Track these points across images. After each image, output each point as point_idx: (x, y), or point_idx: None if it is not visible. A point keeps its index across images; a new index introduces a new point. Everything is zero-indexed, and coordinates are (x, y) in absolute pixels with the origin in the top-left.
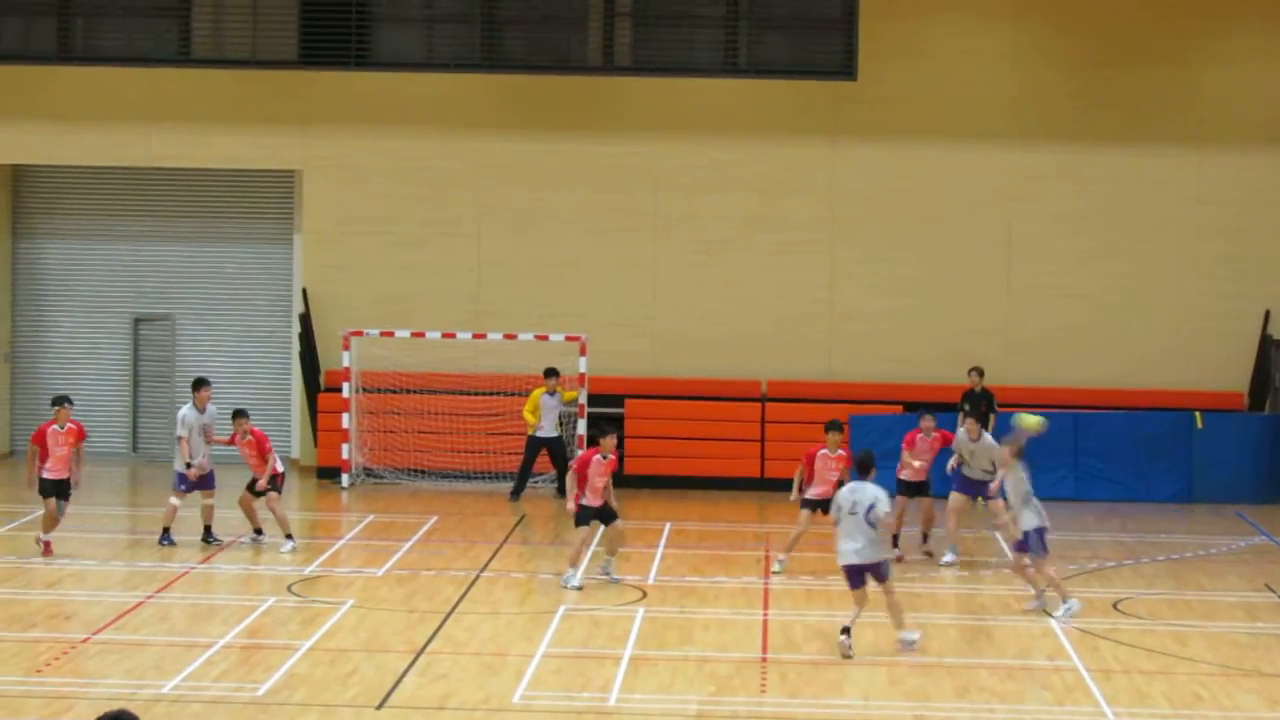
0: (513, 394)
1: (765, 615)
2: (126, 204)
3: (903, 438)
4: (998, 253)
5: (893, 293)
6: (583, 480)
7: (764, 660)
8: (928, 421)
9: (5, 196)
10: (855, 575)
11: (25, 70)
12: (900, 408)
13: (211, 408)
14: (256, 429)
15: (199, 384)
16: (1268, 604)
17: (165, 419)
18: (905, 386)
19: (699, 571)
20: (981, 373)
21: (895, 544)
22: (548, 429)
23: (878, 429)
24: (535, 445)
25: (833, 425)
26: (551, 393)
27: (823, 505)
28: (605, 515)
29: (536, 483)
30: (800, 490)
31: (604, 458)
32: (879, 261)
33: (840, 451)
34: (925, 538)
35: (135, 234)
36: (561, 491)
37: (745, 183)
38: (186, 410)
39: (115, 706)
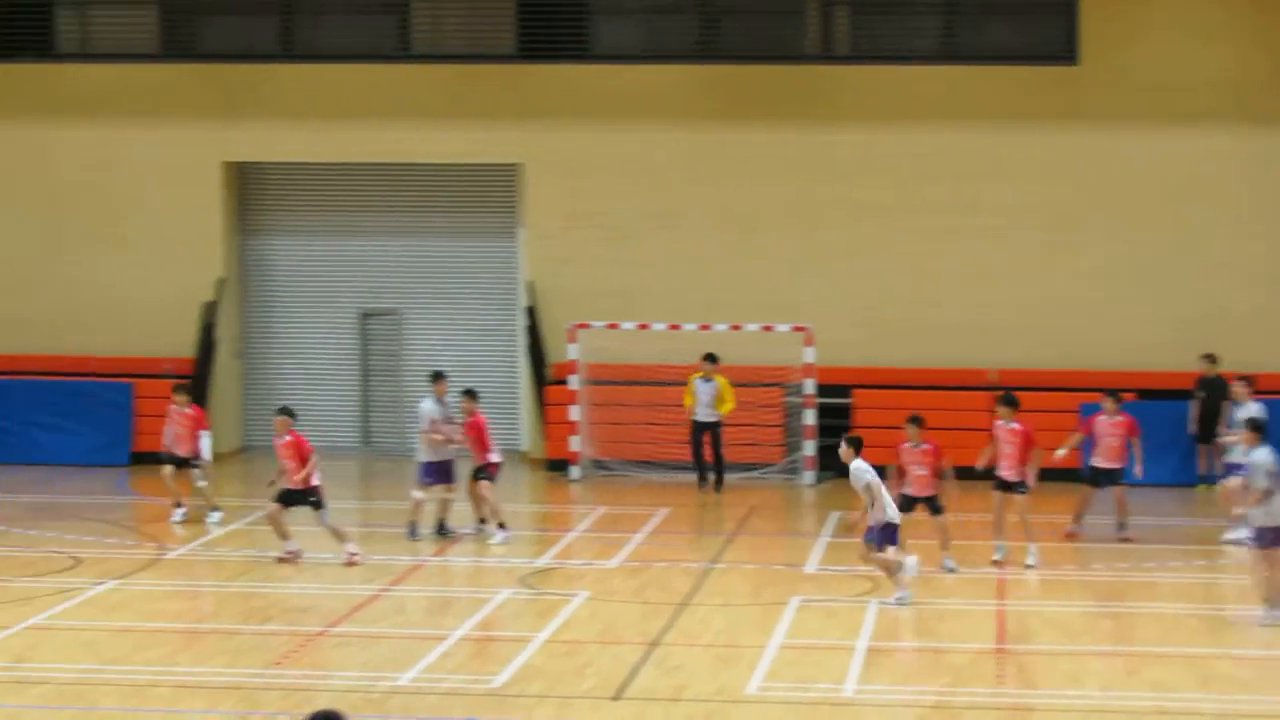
0: (740, 384)
1: (1001, 605)
2: (352, 200)
3: (1087, 422)
4: (1224, 236)
5: (1116, 278)
6: (901, 471)
7: (1000, 651)
8: (1109, 404)
9: (232, 194)
10: None
11: (249, 68)
12: (1135, 394)
13: (449, 399)
14: (480, 415)
15: (437, 376)
16: None
17: (394, 413)
18: (1136, 374)
19: (932, 561)
20: (1214, 359)
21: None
22: (703, 414)
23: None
24: (695, 430)
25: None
26: (707, 379)
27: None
28: (931, 507)
29: (754, 474)
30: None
31: (914, 445)
32: (1102, 246)
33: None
34: (1121, 526)
35: (361, 229)
36: (719, 480)
37: (965, 170)
38: (428, 404)
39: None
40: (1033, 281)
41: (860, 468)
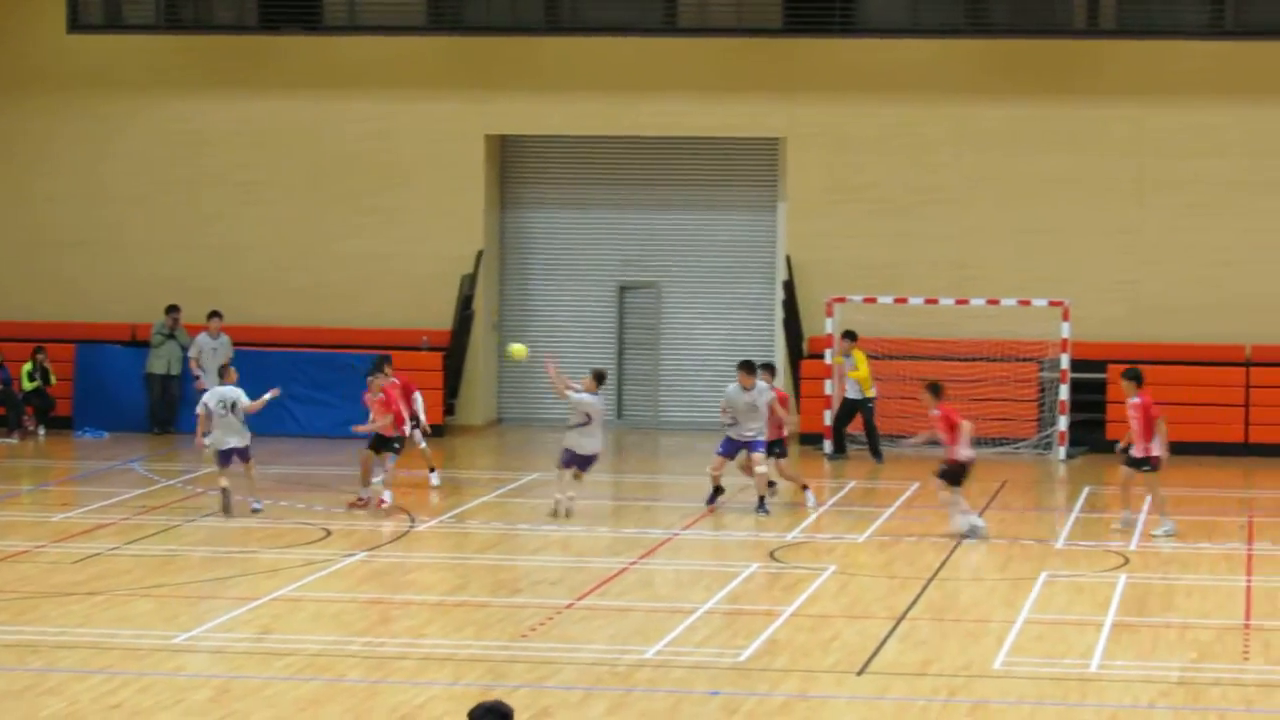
0: (996, 359)
1: (1249, 581)
2: (611, 173)
3: None
4: None
5: None
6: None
7: (1247, 627)
8: None
9: (494, 167)
10: None
11: (513, 42)
12: None
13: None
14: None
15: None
16: None
17: (648, 387)
18: None
19: (1182, 538)
20: None
21: None
22: (849, 391)
23: None
24: (844, 407)
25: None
26: (846, 355)
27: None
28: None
29: (1006, 448)
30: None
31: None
32: None
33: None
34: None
35: (619, 202)
36: (875, 453)
37: (1233, 146)
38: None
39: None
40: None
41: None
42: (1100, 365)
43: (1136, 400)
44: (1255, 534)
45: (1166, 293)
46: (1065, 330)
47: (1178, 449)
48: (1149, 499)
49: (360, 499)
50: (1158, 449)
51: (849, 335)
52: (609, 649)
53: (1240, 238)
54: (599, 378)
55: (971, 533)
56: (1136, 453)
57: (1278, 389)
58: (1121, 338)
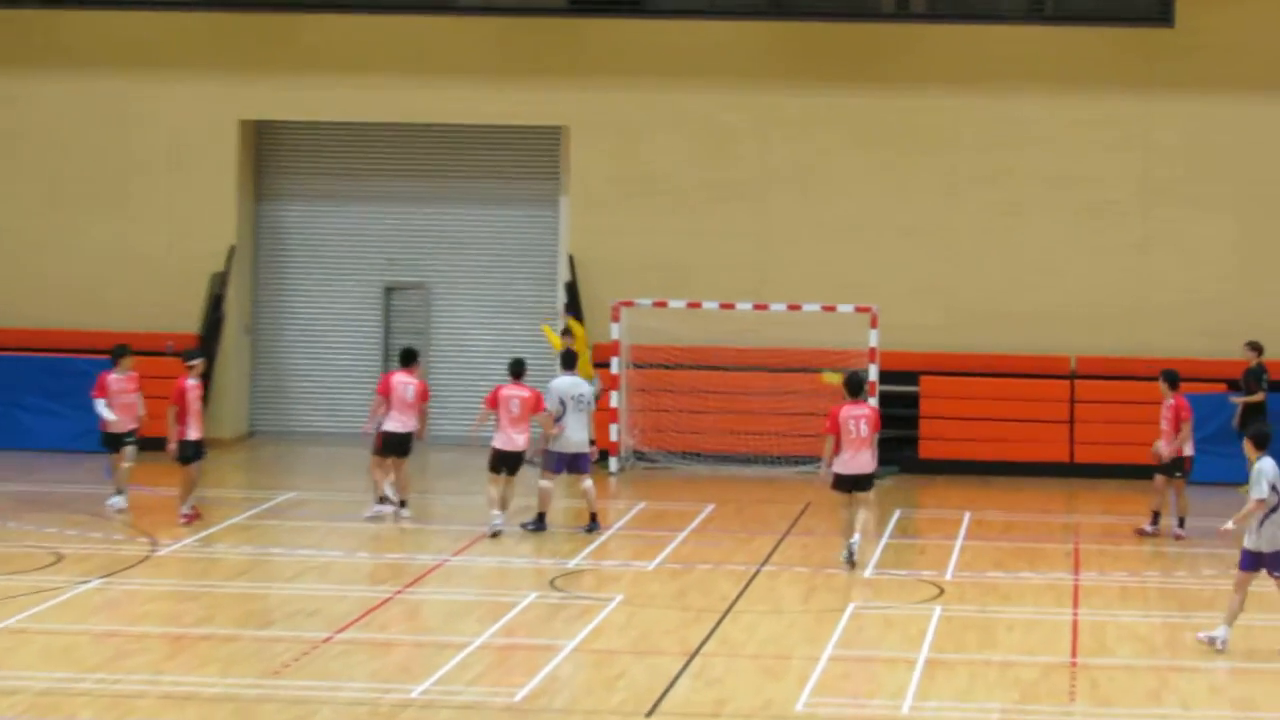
0: (798, 370)
1: (1075, 615)
2: (378, 163)
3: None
4: None
5: (1211, 259)
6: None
7: (1073, 664)
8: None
9: (248, 155)
10: None
11: (271, 18)
12: (1225, 386)
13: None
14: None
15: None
16: None
17: None
18: (1229, 363)
19: (1002, 566)
20: (1259, 348)
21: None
22: None
23: (1200, 410)
24: None
25: (1167, 375)
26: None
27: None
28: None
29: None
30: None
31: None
32: (1196, 224)
33: (1170, 401)
34: (1180, 523)
35: (386, 195)
36: None
37: (1050, 140)
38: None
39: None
40: (1120, 261)
41: None
42: (912, 376)
43: (1171, 402)
44: (1081, 562)
45: (983, 299)
46: (873, 338)
47: (997, 469)
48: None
49: None
50: (1189, 449)
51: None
52: (371, 687)
53: (1058, 239)
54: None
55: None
56: (1166, 455)
57: (1104, 404)
58: (935, 347)
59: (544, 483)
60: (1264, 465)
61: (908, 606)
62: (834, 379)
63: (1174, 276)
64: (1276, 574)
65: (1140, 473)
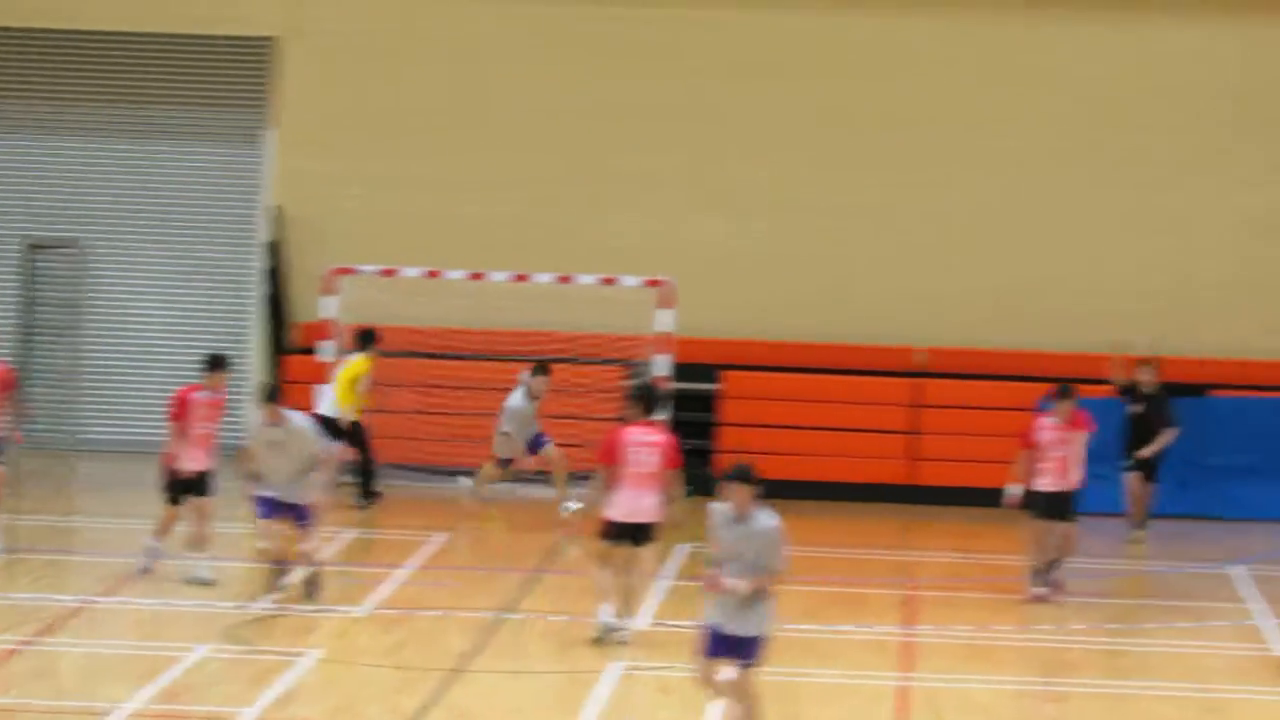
0: (569, 360)
1: (905, 680)
2: (17, 83)
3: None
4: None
5: (1098, 224)
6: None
7: None
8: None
9: None
10: None
11: None
12: (1111, 389)
13: None
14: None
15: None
16: None
17: (65, 389)
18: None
19: (814, 617)
20: (1152, 365)
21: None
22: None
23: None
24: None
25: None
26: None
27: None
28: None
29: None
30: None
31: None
32: (1068, 192)
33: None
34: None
35: (28, 126)
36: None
37: (889, 67)
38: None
39: None
40: (973, 234)
41: None
42: (708, 372)
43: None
44: (917, 613)
45: (803, 276)
46: (666, 321)
47: (815, 491)
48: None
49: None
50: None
51: (366, 337)
52: None
53: (891, 202)
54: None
55: None
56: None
57: (956, 410)
58: (745, 334)
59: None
60: None
61: (688, 666)
62: None
63: (1045, 251)
64: None
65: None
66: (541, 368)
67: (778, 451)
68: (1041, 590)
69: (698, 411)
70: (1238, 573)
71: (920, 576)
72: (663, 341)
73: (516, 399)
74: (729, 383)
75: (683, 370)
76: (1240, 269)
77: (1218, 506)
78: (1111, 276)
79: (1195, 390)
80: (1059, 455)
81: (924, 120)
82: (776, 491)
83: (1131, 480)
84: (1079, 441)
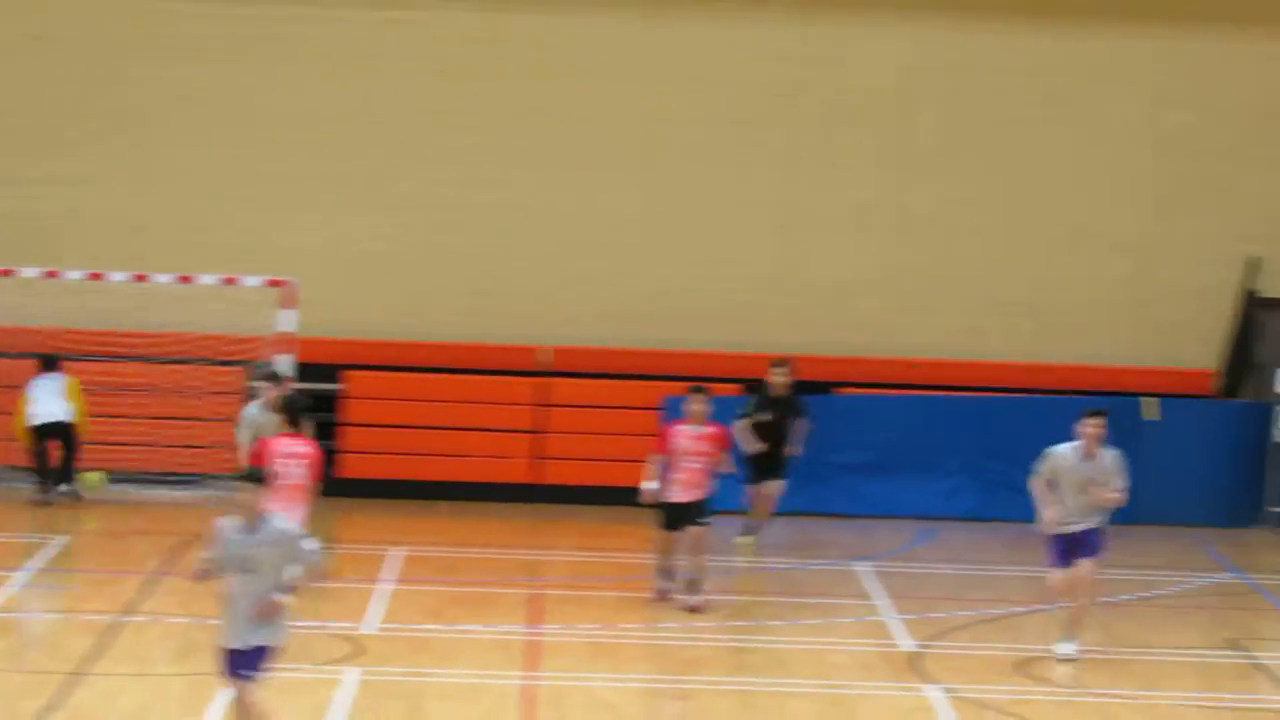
0: (191, 362)
1: (531, 678)
2: None
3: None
4: (858, 175)
5: (727, 224)
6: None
7: None
8: (698, 403)
9: None
10: None
11: None
12: (740, 387)
13: None
14: None
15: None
16: (1232, 666)
17: None
18: (746, 358)
19: (440, 617)
20: (789, 369)
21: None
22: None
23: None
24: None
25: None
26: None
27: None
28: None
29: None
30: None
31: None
32: (723, 178)
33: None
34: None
35: None
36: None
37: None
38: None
39: None
40: (613, 227)
41: None
42: (331, 372)
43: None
44: (543, 612)
45: (429, 275)
46: (289, 321)
47: (441, 492)
48: None
49: None
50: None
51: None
52: None
53: (528, 196)
54: None
55: None
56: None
57: (581, 409)
58: (370, 334)
59: None
60: None
61: (313, 669)
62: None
63: (679, 249)
64: None
65: (624, 498)
66: (274, 376)
67: (402, 452)
68: (668, 587)
69: (320, 412)
70: (863, 569)
71: (546, 575)
72: (284, 342)
73: (253, 409)
74: (352, 383)
75: (305, 371)
76: (863, 267)
77: (842, 503)
78: (736, 275)
79: (819, 388)
80: (692, 466)
81: (549, 119)
82: (403, 491)
83: (762, 486)
84: (714, 456)
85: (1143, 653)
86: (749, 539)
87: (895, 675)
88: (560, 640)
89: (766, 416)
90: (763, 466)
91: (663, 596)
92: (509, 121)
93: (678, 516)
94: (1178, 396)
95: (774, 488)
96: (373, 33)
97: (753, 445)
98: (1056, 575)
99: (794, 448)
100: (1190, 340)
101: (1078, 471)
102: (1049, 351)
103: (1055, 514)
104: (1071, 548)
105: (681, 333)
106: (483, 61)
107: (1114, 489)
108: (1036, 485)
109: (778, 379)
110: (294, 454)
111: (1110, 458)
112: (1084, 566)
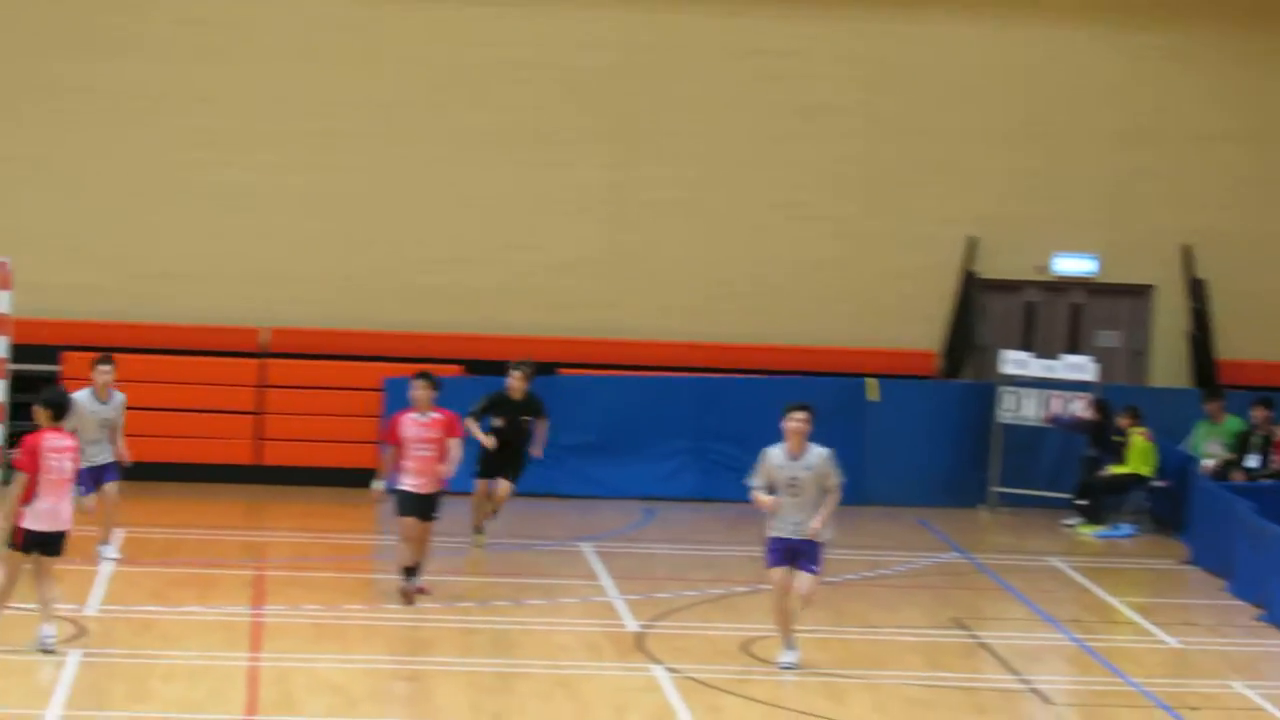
0: None
1: (255, 660)
2: None
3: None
4: (577, 156)
5: (456, 204)
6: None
7: None
8: (422, 389)
9: None
10: None
11: None
12: (460, 368)
13: None
14: None
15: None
16: (956, 645)
17: None
18: (470, 339)
19: (162, 598)
20: (528, 371)
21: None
22: None
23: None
24: None
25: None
26: None
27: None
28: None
29: None
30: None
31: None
32: (439, 162)
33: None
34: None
35: None
36: None
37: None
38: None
39: None
40: (344, 207)
41: None
42: (52, 352)
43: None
44: (266, 593)
45: (150, 254)
46: (1, 303)
47: (160, 472)
48: None
49: None
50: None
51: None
52: None
53: (259, 177)
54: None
55: None
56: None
57: (300, 390)
58: (91, 315)
59: None
60: None
61: (22, 650)
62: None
63: (413, 227)
64: None
65: (345, 479)
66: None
67: (123, 433)
68: (410, 585)
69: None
70: (588, 550)
71: (268, 557)
72: (2, 323)
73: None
74: (70, 364)
75: (21, 352)
76: (584, 248)
77: (566, 484)
78: (457, 256)
79: (544, 369)
80: (422, 454)
81: (264, 100)
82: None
83: (492, 484)
84: (446, 443)
85: (869, 632)
86: (480, 537)
87: (621, 655)
88: (284, 621)
89: (498, 422)
90: (495, 465)
91: (406, 596)
92: (227, 103)
93: (411, 504)
94: (901, 378)
95: (502, 489)
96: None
97: (484, 441)
98: (776, 574)
99: (536, 449)
100: (913, 321)
101: (787, 471)
102: (772, 333)
103: (775, 510)
104: (792, 556)
105: (402, 314)
106: (193, 42)
107: (828, 493)
108: (755, 497)
109: (514, 381)
110: (61, 448)
111: (820, 457)
112: (802, 581)
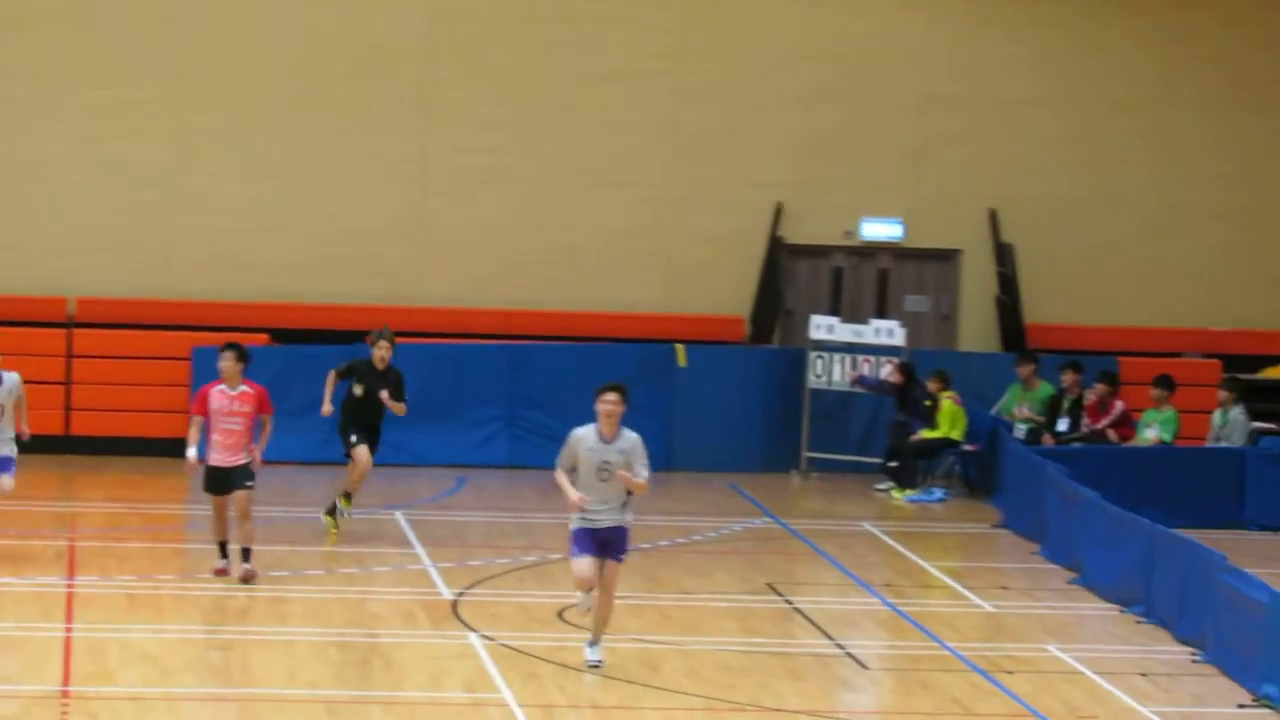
0: None
1: (69, 630)
2: None
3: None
4: (400, 117)
5: (263, 172)
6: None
7: (66, 694)
8: (229, 361)
9: None
10: None
11: None
12: (266, 337)
13: None
14: None
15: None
16: (770, 611)
17: None
18: (278, 307)
19: None
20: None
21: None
22: None
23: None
24: None
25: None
26: None
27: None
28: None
29: None
30: None
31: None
32: (244, 130)
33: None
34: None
35: None
36: None
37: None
38: None
39: None
40: (146, 175)
41: None
42: None
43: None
44: (78, 564)
45: None
46: None
47: None
48: None
49: None
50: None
51: None
52: None
53: (66, 145)
54: None
55: None
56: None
57: (108, 360)
58: None
59: None
60: None
61: None
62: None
63: (212, 194)
64: None
65: (155, 449)
66: None
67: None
68: (224, 565)
69: None
70: (400, 517)
71: (80, 527)
72: None
73: None
74: None
75: None
76: (391, 215)
77: (378, 453)
78: (264, 225)
79: (349, 337)
80: (230, 427)
81: (65, 70)
82: None
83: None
84: (253, 417)
85: (683, 599)
86: (347, 504)
87: (436, 624)
88: (97, 592)
89: (358, 390)
90: (357, 432)
91: (220, 574)
92: (24, 72)
93: (218, 480)
94: (710, 343)
95: (361, 456)
96: None
97: (326, 403)
98: (583, 563)
99: (399, 408)
100: (722, 287)
101: (598, 454)
102: (581, 299)
103: (581, 507)
104: (598, 545)
105: (209, 283)
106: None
107: (638, 477)
108: (558, 477)
109: (381, 351)
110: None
111: (632, 441)
112: (609, 570)
